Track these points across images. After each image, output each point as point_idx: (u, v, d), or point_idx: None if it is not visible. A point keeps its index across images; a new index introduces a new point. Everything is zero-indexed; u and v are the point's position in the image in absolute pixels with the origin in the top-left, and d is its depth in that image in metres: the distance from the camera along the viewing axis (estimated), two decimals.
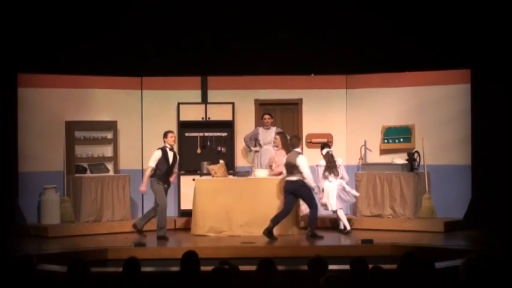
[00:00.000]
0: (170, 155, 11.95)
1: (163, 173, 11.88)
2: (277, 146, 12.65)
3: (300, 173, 11.69)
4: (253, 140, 13.50)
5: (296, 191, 11.83)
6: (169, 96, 13.91)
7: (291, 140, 12.06)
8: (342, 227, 12.49)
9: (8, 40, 12.36)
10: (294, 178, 11.76)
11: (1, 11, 12.23)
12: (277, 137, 12.66)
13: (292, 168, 11.74)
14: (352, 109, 14.07)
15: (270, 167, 12.73)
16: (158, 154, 11.89)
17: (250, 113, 14.03)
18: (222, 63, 13.58)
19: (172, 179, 12.17)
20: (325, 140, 13.39)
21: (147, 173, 11.89)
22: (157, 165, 11.85)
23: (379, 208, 13.14)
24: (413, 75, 13.68)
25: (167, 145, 11.95)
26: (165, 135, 12.00)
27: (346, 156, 13.91)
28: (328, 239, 11.84)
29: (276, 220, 11.77)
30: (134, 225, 12.02)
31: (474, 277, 5.78)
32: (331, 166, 12.33)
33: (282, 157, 12.24)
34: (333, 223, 12.86)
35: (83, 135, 13.35)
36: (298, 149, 11.90)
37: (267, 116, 13.41)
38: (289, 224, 12.21)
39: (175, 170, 12.22)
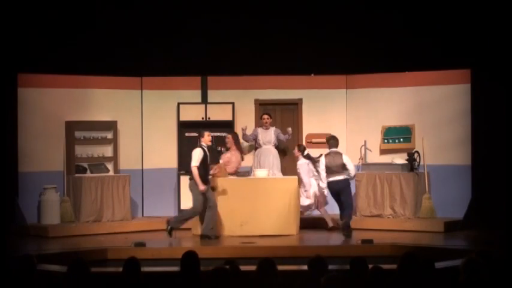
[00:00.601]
0: (208, 154, 11.90)
1: (203, 173, 11.75)
2: (230, 147, 12.79)
3: (347, 170, 12.08)
4: (253, 140, 13.49)
5: (342, 190, 12.11)
6: (169, 96, 13.90)
7: (331, 141, 12.34)
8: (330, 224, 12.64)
9: (8, 40, 12.36)
10: (341, 177, 12.11)
11: (1, 11, 12.22)
12: (229, 136, 12.80)
13: (338, 167, 12.09)
14: (352, 109, 14.07)
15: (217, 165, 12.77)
16: (200, 153, 11.71)
17: (250, 113, 14.03)
18: (222, 63, 13.58)
19: None
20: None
21: (196, 172, 11.62)
22: (199, 166, 11.66)
23: (379, 208, 13.14)
24: (413, 75, 13.68)
25: (203, 144, 11.89)
26: (202, 134, 11.91)
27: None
28: (328, 239, 11.84)
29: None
30: (202, 236, 11.77)
31: (474, 277, 5.78)
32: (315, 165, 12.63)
33: (236, 157, 12.76)
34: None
35: (83, 135, 13.34)
36: (337, 149, 12.27)
37: (265, 116, 13.41)
38: (289, 224, 12.21)
39: None
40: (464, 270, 5.83)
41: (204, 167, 11.73)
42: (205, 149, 11.82)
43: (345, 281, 5.72)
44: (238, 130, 13.73)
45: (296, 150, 12.85)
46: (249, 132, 13.52)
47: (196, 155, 11.68)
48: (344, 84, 14.10)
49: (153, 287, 6.79)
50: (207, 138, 11.88)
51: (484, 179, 12.79)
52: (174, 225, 11.84)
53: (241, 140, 13.49)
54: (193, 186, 11.75)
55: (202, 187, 11.64)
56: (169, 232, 11.77)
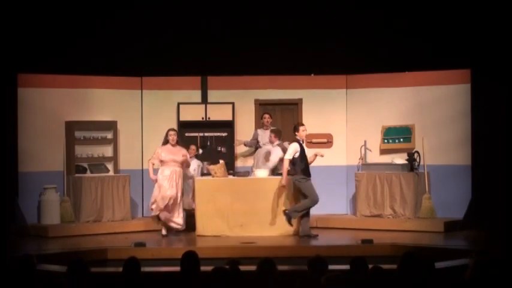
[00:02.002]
0: (304, 148, 11.95)
1: (304, 167, 11.82)
2: (174, 143, 12.49)
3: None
4: (255, 140, 13.40)
5: None
6: (169, 96, 13.90)
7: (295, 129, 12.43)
8: None
9: (8, 40, 12.35)
10: None
11: (1, 11, 12.22)
12: (176, 132, 12.60)
13: None
14: (352, 109, 14.07)
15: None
16: (296, 147, 11.78)
17: (250, 113, 14.03)
18: (222, 63, 13.57)
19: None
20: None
21: (287, 165, 11.78)
22: (297, 160, 11.74)
23: (379, 208, 13.14)
24: (413, 75, 13.68)
25: (299, 138, 11.89)
26: (297, 128, 11.93)
27: (346, 156, 13.93)
28: (329, 239, 11.84)
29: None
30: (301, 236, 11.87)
31: (481, 276, 5.77)
32: None
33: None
34: None
35: (83, 135, 13.35)
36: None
37: (266, 115, 13.37)
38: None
39: None
40: (473, 268, 5.82)
41: (302, 160, 11.79)
42: (302, 143, 11.88)
43: (345, 281, 5.73)
44: (238, 130, 13.75)
45: (193, 148, 13.05)
46: (248, 138, 13.47)
47: (292, 149, 11.77)
48: (344, 84, 14.10)
49: (153, 287, 6.79)
50: (302, 133, 11.91)
51: (484, 179, 12.78)
52: (292, 214, 11.80)
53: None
54: (301, 182, 11.80)
55: (285, 181, 11.82)
56: (289, 221, 11.79)
